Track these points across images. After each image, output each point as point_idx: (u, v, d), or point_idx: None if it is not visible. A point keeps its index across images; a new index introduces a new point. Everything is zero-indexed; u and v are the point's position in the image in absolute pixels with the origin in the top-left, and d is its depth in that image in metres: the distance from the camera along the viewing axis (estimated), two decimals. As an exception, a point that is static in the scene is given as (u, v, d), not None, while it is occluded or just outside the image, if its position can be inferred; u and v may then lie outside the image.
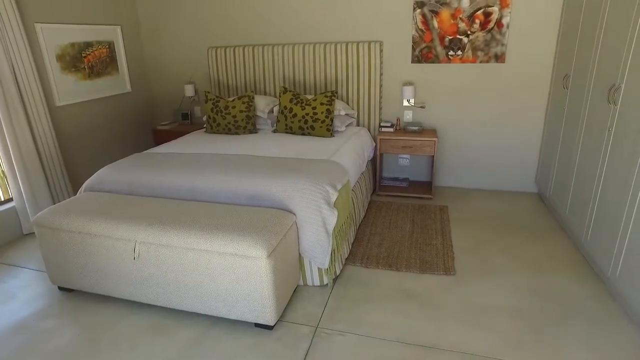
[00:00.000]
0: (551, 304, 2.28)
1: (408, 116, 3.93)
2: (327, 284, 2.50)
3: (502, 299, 2.35)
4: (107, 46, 3.99)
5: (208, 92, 3.82)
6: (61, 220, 2.30)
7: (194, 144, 3.39)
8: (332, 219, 2.35)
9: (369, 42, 3.72)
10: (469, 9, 3.44)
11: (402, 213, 3.45)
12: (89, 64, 3.80)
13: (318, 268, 2.43)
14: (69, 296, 2.52)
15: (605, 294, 2.36)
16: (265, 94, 4.18)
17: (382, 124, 3.87)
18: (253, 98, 3.71)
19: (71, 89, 3.63)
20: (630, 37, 2.22)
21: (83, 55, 3.73)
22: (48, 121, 3.33)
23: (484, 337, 2.06)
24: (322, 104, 3.47)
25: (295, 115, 3.53)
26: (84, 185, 2.80)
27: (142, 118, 4.57)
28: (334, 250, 2.41)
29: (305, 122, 3.50)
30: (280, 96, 3.68)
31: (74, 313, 2.36)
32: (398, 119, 3.87)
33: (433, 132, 3.76)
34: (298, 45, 3.92)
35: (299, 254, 2.40)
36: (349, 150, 3.11)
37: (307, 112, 3.49)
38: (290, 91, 3.63)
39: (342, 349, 2.01)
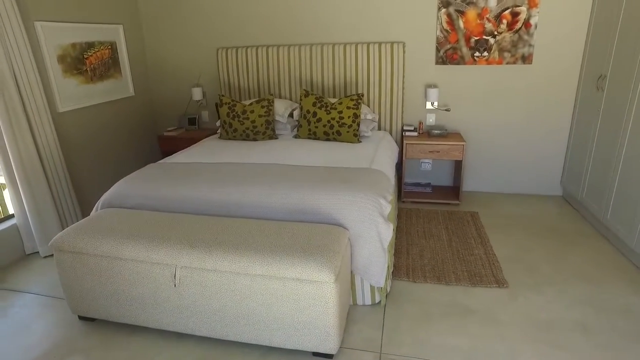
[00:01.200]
0: (619, 318, 2.19)
1: (431, 119, 3.81)
2: (379, 302, 2.33)
3: (564, 312, 2.24)
4: (109, 47, 3.69)
5: (223, 96, 3.58)
6: (86, 243, 2.04)
7: (212, 152, 3.15)
8: (388, 233, 2.18)
9: (392, 43, 3.57)
10: (496, 8, 3.34)
11: (434, 220, 3.32)
12: (91, 66, 3.50)
13: (370, 286, 2.26)
14: (92, 327, 2.26)
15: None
16: (280, 97, 3.97)
17: (405, 128, 3.73)
18: (273, 102, 3.50)
19: (73, 94, 3.32)
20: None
21: (85, 56, 3.43)
22: (52, 129, 3.02)
23: (562, 358, 1.93)
24: (348, 107, 3.30)
25: (319, 119, 3.34)
26: (101, 201, 2.53)
27: (146, 124, 4.28)
28: (388, 266, 2.25)
29: (331, 127, 3.31)
30: (301, 99, 3.48)
31: (101, 346, 2.11)
32: (421, 123, 3.74)
33: (457, 135, 3.65)
34: (316, 45, 3.73)
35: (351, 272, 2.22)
36: (385, 157, 2.95)
37: (333, 116, 3.31)
38: (312, 94, 3.44)
39: (415, 377, 1.85)
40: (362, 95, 3.32)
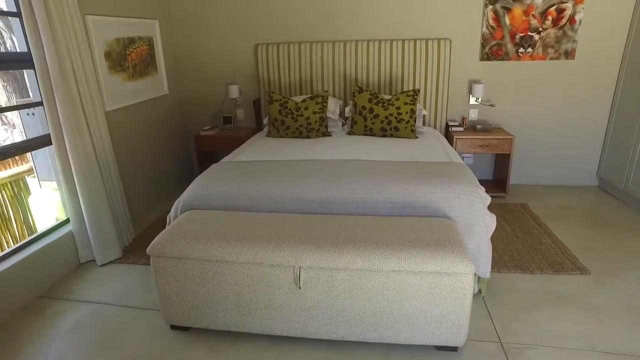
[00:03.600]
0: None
1: (473, 114, 3.88)
2: (477, 292, 2.34)
3: (653, 295, 2.34)
4: (147, 43, 3.51)
5: (273, 92, 3.49)
6: (192, 248, 1.93)
7: (273, 150, 3.07)
8: (492, 223, 2.20)
9: (438, 40, 3.61)
10: (542, 5, 3.45)
11: (490, 213, 3.38)
12: (132, 62, 3.32)
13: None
14: (189, 336, 2.14)
15: None
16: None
17: (450, 123, 3.78)
18: (327, 98, 3.45)
19: (118, 92, 3.14)
20: None
21: (127, 52, 3.25)
22: (106, 129, 2.84)
23: (674, 336, 2.02)
24: (405, 103, 3.30)
25: (377, 115, 3.32)
26: (180, 203, 2.41)
27: (180, 123, 4.11)
28: (490, 257, 2.26)
29: (389, 122, 3.30)
30: (354, 96, 3.45)
31: (210, 355, 2.00)
32: (464, 118, 3.80)
33: (500, 130, 3.74)
34: (362, 42, 3.71)
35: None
36: (452, 151, 2.97)
37: (391, 112, 3.30)
38: (367, 90, 3.42)
39: (546, 364, 1.87)
40: (419, 91, 3.34)
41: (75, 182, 2.64)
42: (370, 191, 2.25)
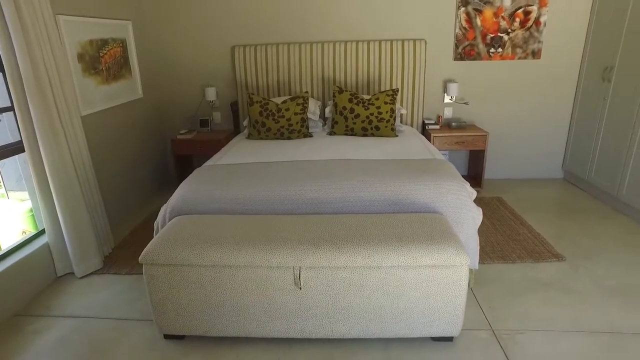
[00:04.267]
0: (667, 276, 2.50)
1: (448, 113, 4.01)
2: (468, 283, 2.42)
3: (625, 278, 2.50)
4: (120, 44, 3.39)
5: (253, 94, 3.47)
6: (188, 254, 1.89)
7: (255, 152, 3.05)
8: (479, 216, 2.29)
9: (414, 40, 3.71)
10: (510, 7, 3.62)
11: (469, 207, 3.51)
12: (106, 65, 3.20)
13: (461, 270, 2.35)
14: (185, 345, 2.09)
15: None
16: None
17: (426, 121, 3.89)
18: (308, 99, 3.46)
19: (92, 95, 3.02)
20: None
21: (100, 54, 3.13)
22: (82, 135, 2.72)
23: (647, 314, 2.17)
24: (385, 103, 3.37)
25: (357, 115, 3.37)
26: (168, 209, 2.35)
27: (155, 127, 3.99)
28: (477, 249, 2.35)
29: (370, 122, 3.36)
30: (334, 96, 3.49)
31: (210, 361, 1.97)
32: (440, 116, 3.92)
33: (474, 127, 3.89)
34: (340, 43, 3.75)
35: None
36: (434, 149, 3.06)
37: (372, 112, 3.36)
38: (347, 91, 3.46)
39: (536, 347, 1.97)
40: (398, 91, 3.41)
41: (52, 191, 2.52)
42: (361, 190, 2.29)
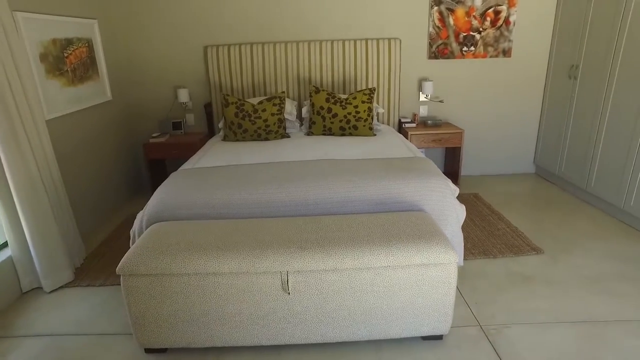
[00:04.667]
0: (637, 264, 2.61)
1: (423, 111, 4.04)
2: (451, 282, 2.44)
3: (600, 267, 2.59)
4: (86, 44, 3.22)
5: (228, 95, 3.38)
6: (169, 263, 1.80)
7: (233, 154, 2.97)
8: (463, 213, 2.31)
9: (389, 39, 3.72)
10: (481, 7, 3.69)
11: (447, 204, 3.55)
12: (72, 66, 3.03)
13: (446, 267, 2.36)
14: (167, 359, 1.99)
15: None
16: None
17: (402, 120, 3.91)
18: (284, 99, 3.40)
19: (57, 98, 2.85)
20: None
21: (65, 55, 2.96)
22: (48, 140, 2.56)
23: (625, 302, 2.25)
24: (363, 102, 3.36)
25: (335, 115, 3.34)
26: (146, 216, 2.24)
27: (125, 131, 3.83)
28: (461, 246, 2.37)
29: (348, 122, 3.34)
30: (311, 96, 3.44)
31: (195, 373, 1.88)
32: (415, 114, 3.95)
33: (448, 124, 3.94)
34: (314, 42, 3.71)
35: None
36: (413, 147, 3.07)
37: (349, 111, 3.34)
38: (323, 90, 3.43)
39: (523, 341, 2.00)
40: (375, 90, 3.41)
41: (15, 201, 2.35)
42: (345, 189, 2.26)
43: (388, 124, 3.95)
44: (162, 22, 3.69)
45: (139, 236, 2.25)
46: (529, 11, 3.75)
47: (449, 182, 2.36)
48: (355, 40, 3.71)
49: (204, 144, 3.80)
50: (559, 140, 3.80)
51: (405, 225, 1.99)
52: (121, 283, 1.85)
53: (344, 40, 3.72)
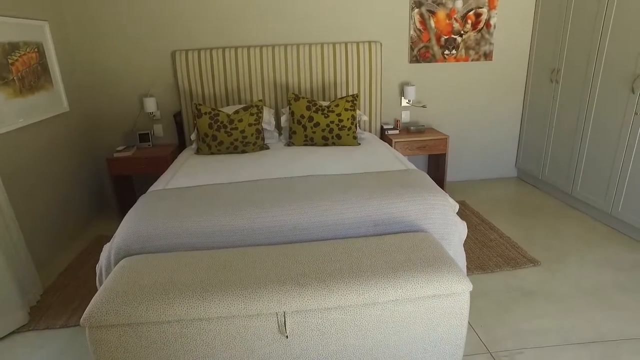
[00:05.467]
0: (635, 272, 2.55)
1: (405, 116, 3.91)
2: (453, 304, 2.29)
3: (598, 277, 2.52)
4: (35, 49, 2.86)
5: (200, 105, 3.10)
6: (146, 310, 1.54)
7: (213, 170, 2.70)
8: (464, 231, 2.16)
9: (370, 43, 3.55)
10: (462, 9, 3.59)
11: (436, 214, 3.42)
12: (19, 74, 2.66)
13: (447, 288, 2.21)
14: (147, 412, 1.72)
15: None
16: (251, 102, 3.60)
17: (385, 127, 3.76)
18: (262, 108, 3.16)
19: (2, 111, 2.49)
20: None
21: (10, 61, 2.59)
22: (-8, 163, 2.21)
23: (627, 316, 2.17)
24: (346, 109, 3.17)
25: (317, 124, 3.14)
26: (113, 249, 1.95)
27: (86, 145, 3.46)
28: (463, 265, 2.23)
29: (331, 131, 3.14)
30: (290, 104, 3.22)
31: None
32: (398, 121, 3.81)
33: (432, 130, 3.83)
34: (291, 46, 3.49)
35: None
36: (402, 157, 2.91)
37: (332, 119, 3.14)
38: (303, 97, 3.21)
39: (537, 368, 1.87)
40: (357, 96, 3.23)
41: (-46, 237, 2.00)
42: (341, 211, 2.06)
43: (370, 131, 3.79)
44: (124, 25, 3.35)
45: (106, 273, 1.96)
46: (509, 14, 3.69)
47: (449, 197, 2.21)
48: (334, 44, 3.52)
49: (175, 157, 3.51)
50: (541, 144, 3.76)
51: (409, 250, 1.82)
52: (87, 336, 1.57)
53: (322, 44, 3.52)
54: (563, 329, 2.11)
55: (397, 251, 1.81)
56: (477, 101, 3.94)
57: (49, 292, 2.59)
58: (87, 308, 1.56)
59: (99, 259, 2.86)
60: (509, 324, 2.16)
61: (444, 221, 2.09)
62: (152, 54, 3.44)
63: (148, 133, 3.52)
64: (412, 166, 2.65)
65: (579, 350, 1.97)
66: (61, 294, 2.56)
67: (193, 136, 3.28)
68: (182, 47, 3.46)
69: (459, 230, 2.13)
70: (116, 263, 1.93)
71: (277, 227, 2.03)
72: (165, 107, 3.60)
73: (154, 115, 3.58)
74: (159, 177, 3.76)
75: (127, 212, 3.50)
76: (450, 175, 4.17)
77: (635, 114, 2.82)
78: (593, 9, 3.06)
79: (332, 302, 1.59)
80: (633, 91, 2.82)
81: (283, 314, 1.59)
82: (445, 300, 1.67)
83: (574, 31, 3.25)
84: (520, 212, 3.45)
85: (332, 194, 2.16)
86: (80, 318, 2.31)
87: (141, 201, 2.23)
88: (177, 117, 3.57)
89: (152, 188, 2.45)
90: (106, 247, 2.00)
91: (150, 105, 3.42)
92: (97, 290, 2.49)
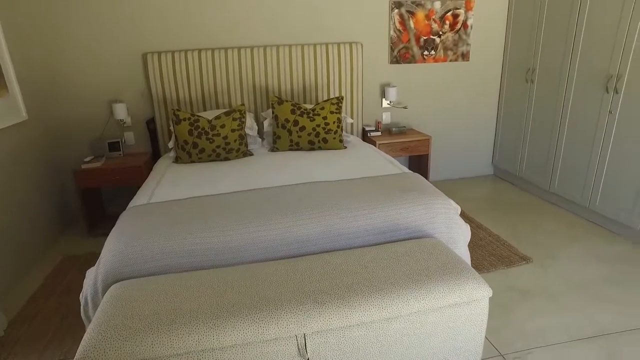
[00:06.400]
0: (618, 263, 2.64)
1: (386, 118, 3.88)
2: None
3: (587, 271, 2.58)
4: (-12, 53, 2.55)
5: (179, 110, 2.90)
6: (151, 344, 1.37)
7: (199, 180, 2.53)
8: (468, 232, 2.14)
9: (351, 43, 3.49)
10: (440, 10, 3.61)
11: (423, 215, 3.41)
12: (-29, 81, 2.36)
13: (452, 292, 2.18)
14: None
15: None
16: (230, 107, 3.43)
17: (367, 128, 3.71)
18: (245, 113, 3.01)
19: (-47, 124, 2.19)
20: (623, 32, 2.69)
21: (-40, 67, 2.29)
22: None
23: (619, 309, 2.23)
24: (332, 112, 3.08)
25: (303, 128, 3.03)
26: (99, 276, 1.75)
27: (48, 157, 3.15)
28: (466, 268, 2.20)
29: (317, 134, 3.04)
30: (274, 108, 3.09)
31: None
32: (379, 122, 3.78)
33: (413, 131, 3.83)
34: (270, 47, 3.35)
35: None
36: (394, 160, 2.86)
37: (318, 123, 3.04)
38: (287, 101, 3.09)
39: (549, 368, 1.87)
40: (342, 98, 3.15)
41: None
42: (344, 220, 1.97)
43: (352, 133, 3.73)
44: (89, 25, 3.08)
45: (93, 303, 1.76)
46: (484, 15, 3.75)
47: (451, 200, 2.18)
48: (315, 45, 3.43)
49: (150, 166, 3.28)
50: (518, 142, 3.86)
51: (423, 258, 1.76)
52: (82, 376, 1.38)
53: (303, 45, 3.41)
54: (565, 326, 2.13)
55: (411, 260, 1.75)
56: (455, 101, 3.99)
57: (14, 324, 2.31)
58: (80, 347, 1.38)
59: (68, 281, 2.62)
60: (514, 324, 2.15)
61: (449, 225, 2.05)
62: (122, 56, 3.19)
63: (118, 141, 3.26)
64: (405, 169, 2.61)
65: (584, 345, 1.99)
66: (30, 326, 2.29)
67: (171, 144, 3.07)
68: (155, 49, 3.24)
69: (464, 232, 2.10)
70: (105, 290, 1.74)
71: (280, 240, 1.91)
72: (136, 113, 3.35)
73: (125, 122, 3.32)
74: (132, 189, 3.51)
75: (95, 228, 3.24)
76: (432, 175, 4.20)
77: (610, 112, 2.94)
78: (566, 10, 3.17)
79: (354, 319, 1.50)
80: (607, 90, 2.93)
81: (303, 336, 1.48)
82: (465, 307, 1.62)
83: (548, 31, 3.36)
84: (502, 210, 3.51)
85: (335, 202, 2.07)
86: (56, 352, 2.07)
87: (125, 218, 2.03)
88: (150, 123, 3.33)
89: (134, 203, 2.25)
90: (90, 273, 1.80)
91: (120, 111, 3.16)
92: (82, 321, 2.26)
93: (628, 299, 2.32)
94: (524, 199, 3.72)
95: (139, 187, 3.44)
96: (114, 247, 1.81)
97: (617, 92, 2.87)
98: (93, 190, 3.28)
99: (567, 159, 3.33)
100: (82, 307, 1.76)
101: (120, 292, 1.61)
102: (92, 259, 2.95)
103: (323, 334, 1.50)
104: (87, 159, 3.10)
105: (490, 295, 1.64)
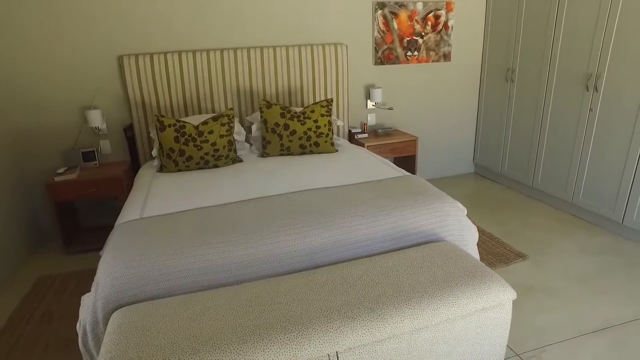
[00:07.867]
0: (610, 254, 2.74)
1: (371, 119, 3.85)
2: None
3: (580, 265, 2.66)
4: (-55, 57, 2.27)
5: (163, 116, 2.72)
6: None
7: (192, 190, 2.38)
8: (476, 233, 2.13)
9: (335, 45, 3.43)
10: (422, 11, 3.62)
11: (414, 216, 3.40)
12: None
13: (462, 294, 2.16)
14: None
15: (624, 235, 3.01)
16: (214, 111, 3.28)
17: (353, 130, 3.66)
18: (233, 118, 2.87)
19: None
20: (600, 31, 2.80)
21: None
22: None
23: (617, 297, 2.31)
24: (322, 115, 3.01)
25: (294, 132, 2.93)
26: (98, 301, 1.58)
27: (15, 171, 2.87)
28: (475, 269, 2.19)
29: (308, 138, 2.96)
30: (262, 111, 2.98)
31: None
32: (365, 124, 3.74)
33: (398, 132, 3.82)
34: (254, 49, 3.23)
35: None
36: (388, 161, 2.83)
37: (309, 126, 2.96)
38: (276, 104, 2.99)
39: (565, 365, 1.89)
40: (332, 101, 3.09)
41: None
42: (357, 227, 1.90)
43: (338, 136, 3.67)
44: (59, 25, 2.83)
45: (93, 334, 1.58)
46: (463, 15, 3.81)
47: (458, 202, 2.17)
48: (299, 46, 3.34)
49: (132, 176, 3.07)
50: (499, 140, 3.95)
51: (444, 264, 1.72)
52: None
53: (287, 46, 3.32)
54: (572, 320, 2.17)
55: (433, 266, 1.71)
56: (438, 101, 4.02)
57: (-10, 357, 2.08)
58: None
59: (46, 304, 2.39)
60: (523, 322, 2.17)
61: (459, 227, 2.04)
62: (95, 59, 2.96)
63: (94, 150, 3.03)
64: (403, 171, 2.58)
65: (595, 339, 2.03)
66: (7, 358, 2.06)
67: (154, 152, 2.88)
68: (131, 52, 3.03)
69: (472, 233, 2.09)
70: (106, 318, 1.58)
71: (289, 253, 1.81)
72: (113, 120, 3.12)
73: (100, 130, 3.08)
74: (110, 201, 3.28)
75: (72, 245, 2.99)
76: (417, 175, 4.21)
77: (590, 110, 3.05)
78: (544, 9, 3.26)
79: (387, 332, 1.43)
80: (587, 89, 3.04)
81: (336, 354, 1.39)
82: (492, 312, 1.60)
83: (527, 31, 3.45)
84: (488, 207, 3.57)
85: (343, 210, 2.00)
86: (45, 386, 1.87)
87: (119, 235, 1.87)
88: (128, 130, 3.12)
89: (125, 218, 2.07)
90: (87, 299, 1.62)
91: (95, 118, 2.93)
92: (68, 352, 2.05)
93: (626, 289, 2.40)
94: (507, 195, 3.81)
95: (116, 199, 3.22)
96: (112, 269, 1.65)
97: (597, 90, 2.98)
98: (67, 204, 3.03)
99: (550, 155, 3.44)
100: (80, 338, 1.58)
101: (126, 319, 1.46)
102: (70, 278, 2.71)
103: (356, 350, 1.42)
104: (59, 171, 2.85)
105: (515, 298, 1.63)
